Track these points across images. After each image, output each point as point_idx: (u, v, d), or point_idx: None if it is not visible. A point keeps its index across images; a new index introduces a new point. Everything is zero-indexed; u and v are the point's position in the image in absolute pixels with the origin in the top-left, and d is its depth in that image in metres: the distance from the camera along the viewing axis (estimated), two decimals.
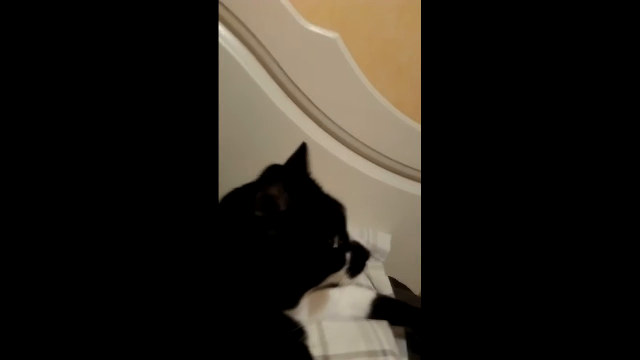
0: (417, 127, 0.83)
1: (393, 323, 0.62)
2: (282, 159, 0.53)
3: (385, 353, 0.54)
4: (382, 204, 0.88)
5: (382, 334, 0.58)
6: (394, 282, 0.90)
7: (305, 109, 0.79)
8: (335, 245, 0.49)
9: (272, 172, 0.44)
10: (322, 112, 0.79)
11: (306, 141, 0.78)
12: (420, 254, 0.94)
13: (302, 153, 0.55)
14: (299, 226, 0.46)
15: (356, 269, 0.54)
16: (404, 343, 0.63)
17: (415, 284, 0.96)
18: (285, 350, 0.44)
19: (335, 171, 0.83)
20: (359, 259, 0.54)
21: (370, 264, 0.83)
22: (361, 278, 0.76)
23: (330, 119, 0.80)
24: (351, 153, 0.85)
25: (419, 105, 0.89)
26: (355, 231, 0.86)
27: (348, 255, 0.52)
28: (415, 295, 0.93)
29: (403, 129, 0.83)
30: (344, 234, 0.52)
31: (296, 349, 0.44)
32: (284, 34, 0.72)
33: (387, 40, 0.83)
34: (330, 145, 0.82)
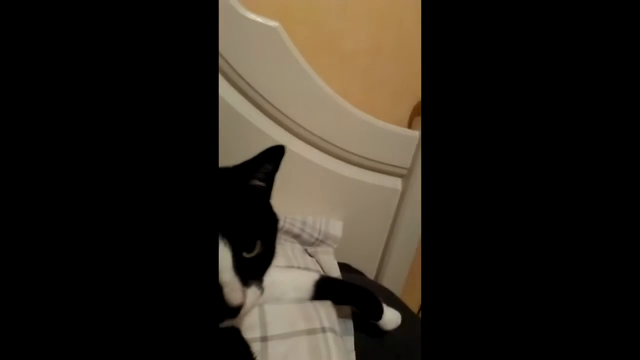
0: (362, 115, 0.85)
1: (338, 302, 0.63)
2: (227, 147, 0.52)
3: (324, 330, 0.55)
4: (331, 191, 0.89)
5: (323, 313, 0.59)
6: (349, 268, 0.92)
7: (250, 98, 0.79)
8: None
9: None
10: (268, 101, 0.80)
11: (252, 130, 0.80)
12: (372, 237, 0.96)
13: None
14: None
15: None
16: (350, 323, 0.64)
17: (369, 269, 0.98)
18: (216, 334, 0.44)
19: (284, 160, 0.84)
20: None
21: (321, 249, 0.85)
22: (311, 263, 0.77)
23: (276, 108, 0.81)
24: (299, 142, 0.86)
25: (363, 93, 0.91)
26: (308, 219, 0.87)
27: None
28: (371, 280, 0.95)
29: (349, 117, 0.85)
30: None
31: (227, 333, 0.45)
32: (224, 22, 0.72)
33: (331, 29, 0.85)
34: (277, 134, 0.83)
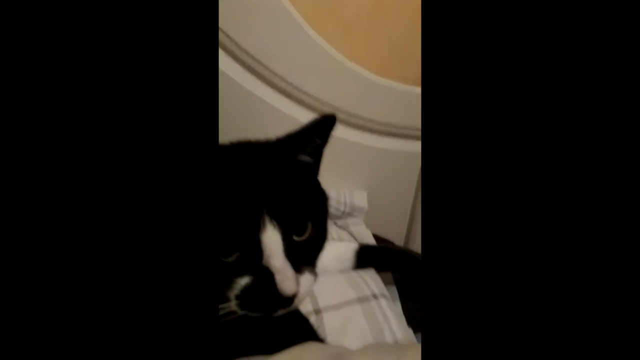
0: (374, 78, 0.82)
1: (380, 269, 0.61)
2: (229, 122, 0.49)
3: (376, 296, 0.54)
4: (352, 162, 0.87)
5: (370, 280, 0.57)
6: (377, 238, 0.91)
7: (256, 72, 0.76)
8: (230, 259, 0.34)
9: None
10: (275, 73, 0.76)
11: (259, 105, 0.76)
12: (397, 206, 0.94)
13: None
14: None
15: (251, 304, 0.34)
16: (393, 289, 0.63)
17: (397, 237, 0.97)
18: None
19: None
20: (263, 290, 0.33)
21: (350, 221, 0.83)
22: (344, 235, 0.75)
23: (285, 80, 0.77)
24: (310, 113, 0.82)
25: (371, 56, 0.88)
26: (331, 193, 0.85)
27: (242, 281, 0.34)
28: (399, 247, 0.94)
29: (361, 82, 0.81)
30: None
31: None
32: None
33: None
34: (286, 106, 0.79)
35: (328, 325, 0.49)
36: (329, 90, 0.81)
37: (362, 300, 0.53)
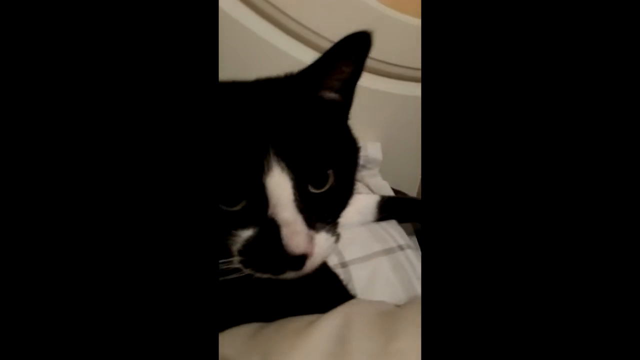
0: (387, 10, 0.74)
1: (401, 220, 0.60)
2: (228, 60, 0.42)
3: (402, 247, 0.53)
4: (364, 109, 0.82)
5: (394, 232, 0.56)
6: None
7: (266, 14, 0.68)
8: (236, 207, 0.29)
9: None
10: (285, 13, 0.69)
11: (268, 50, 0.69)
12: (409, 157, 0.91)
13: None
14: None
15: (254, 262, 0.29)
16: (414, 238, 0.62)
17: (410, 187, 0.95)
18: None
19: None
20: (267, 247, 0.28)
21: (366, 173, 0.81)
22: (361, 187, 0.73)
23: (299, 22, 0.70)
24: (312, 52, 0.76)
25: None
26: None
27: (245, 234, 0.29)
28: (414, 198, 0.93)
29: (372, 16, 0.74)
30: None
31: None
32: None
33: None
34: (299, 52, 0.73)
35: (356, 277, 0.48)
36: (333, 26, 0.74)
37: (387, 252, 0.52)
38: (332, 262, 0.49)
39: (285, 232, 0.27)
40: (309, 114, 0.32)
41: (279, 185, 0.28)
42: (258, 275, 0.29)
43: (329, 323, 0.27)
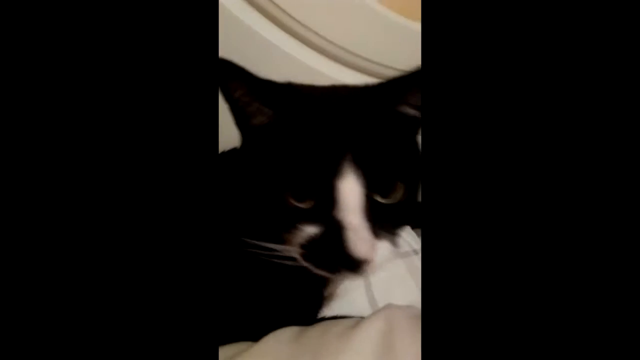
0: (400, 19, 0.75)
1: (415, 226, 0.60)
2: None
3: (417, 251, 0.53)
4: None
5: (407, 236, 0.57)
6: None
7: (272, 16, 0.68)
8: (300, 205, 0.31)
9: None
10: (289, 15, 0.69)
11: (273, 52, 0.69)
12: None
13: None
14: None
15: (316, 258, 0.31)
16: None
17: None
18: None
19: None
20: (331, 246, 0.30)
21: None
22: None
23: (299, 22, 0.70)
24: (333, 64, 0.77)
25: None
26: None
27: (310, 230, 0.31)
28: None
29: (385, 26, 0.75)
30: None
31: None
32: None
33: None
34: (308, 58, 0.73)
35: (374, 280, 0.48)
36: (349, 34, 0.74)
37: (403, 255, 0.52)
38: None
39: (350, 236, 0.28)
40: (386, 125, 0.34)
41: (350, 190, 0.29)
42: (315, 269, 0.31)
43: (372, 327, 0.27)
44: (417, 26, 0.77)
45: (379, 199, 0.31)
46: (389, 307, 0.32)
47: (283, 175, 0.30)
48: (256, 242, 0.31)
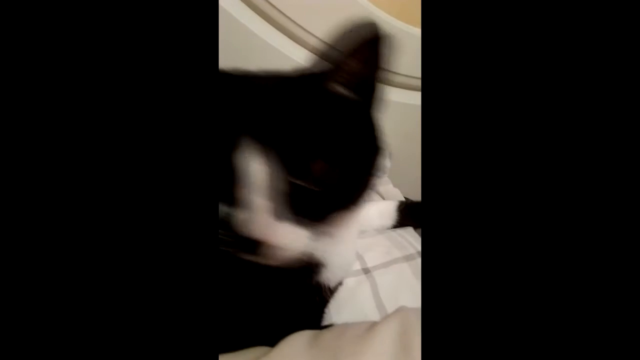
0: (389, 19, 0.75)
1: (418, 227, 0.60)
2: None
3: (420, 254, 0.53)
4: None
5: (411, 239, 0.57)
6: None
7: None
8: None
9: None
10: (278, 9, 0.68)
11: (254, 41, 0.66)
12: (415, 164, 0.92)
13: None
14: None
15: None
16: None
17: (414, 193, 0.96)
18: None
19: None
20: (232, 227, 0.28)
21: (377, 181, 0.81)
22: (372, 195, 0.73)
23: (286, 16, 0.69)
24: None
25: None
26: None
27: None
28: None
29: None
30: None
31: None
32: None
33: None
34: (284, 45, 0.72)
35: (380, 282, 0.48)
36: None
37: (407, 258, 0.52)
38: (355, 267, 0.49)
39: (244, 216, 0.26)
40: (309, 104, 0.30)
41: (254, 169, 0.26)
42: (229, 250, 0.28)
43: (389, 328, 0.26)
44: (407, 27, 0.77)
45: (296, 181, 0.27)
46: (402, 309, 0.31)
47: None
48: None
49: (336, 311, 0.41)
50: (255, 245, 0.27)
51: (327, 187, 0.28)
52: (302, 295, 0.36)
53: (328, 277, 0.37)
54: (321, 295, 0.38)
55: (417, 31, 0.78)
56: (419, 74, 0.82)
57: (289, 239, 0.28)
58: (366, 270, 0.49)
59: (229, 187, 0.27)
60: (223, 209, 0.27)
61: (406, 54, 0.80)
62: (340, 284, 0.41)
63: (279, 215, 0.27)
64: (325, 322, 0.39)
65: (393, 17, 0.76)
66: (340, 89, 0.31)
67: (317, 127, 0.29)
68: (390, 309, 0.46)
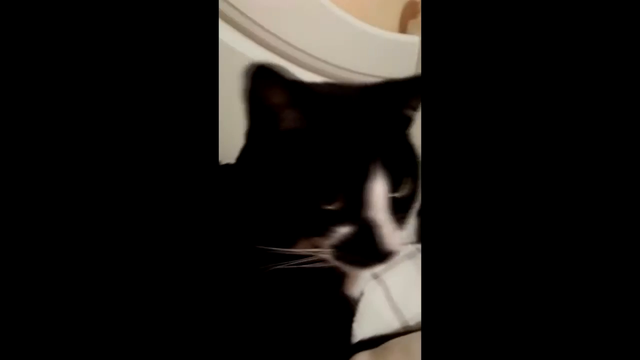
0: (364, 26, 0.76)
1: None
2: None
3: (420, 250, 0.55)
4: None
5: (407, 237, 0.58)
6: None
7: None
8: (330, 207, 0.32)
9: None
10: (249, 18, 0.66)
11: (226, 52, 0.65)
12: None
13: None
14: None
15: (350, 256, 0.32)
16: None
17: None
18: None
19: None
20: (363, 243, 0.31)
21: None
22: None
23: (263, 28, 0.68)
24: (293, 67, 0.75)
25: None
26: None
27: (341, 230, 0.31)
28: None
29: (342, 28, 0.75)
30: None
31: None
32: None
33: None
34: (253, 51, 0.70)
35: (390, 283, 0.49)
36: (307, 36, 0.72)
37: (409, 256, 0.54)
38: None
39: (382, 232, 0.30)
40: (394, 126, 0.36)
41: (379, 190, 0.31)
42: (347, 266, 0.32)
43: None
44: (373, 30, 0.79)
45: (394, 194, 0.33)
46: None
47: (315, 178, 0.31)
48: (286, 251, 0.32)
49: (358, 326, 0.41)
50: (387, 255, 0.31)
51: (410, 197, 0.34)
52: (332, 309, 0.37)
53: (352, 288, 0.38)
54: (348, 308, 0.38)
55: (381, 33, 0.79)
56: (383, 73, 0.84)
57: (401, 244, 0.33)
58: (375, 276, 0.50)
59: (356, 209, 0.31)
60: (346, 229, 0.31)
61: (381, 58, 0.80)
62: (362, 294, 0.41)
63: (397, 226, 0.32)
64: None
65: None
66: (410, 112, 0.37)
67: (405, 147, 0.36)
68: (404, 310, 0.47)
